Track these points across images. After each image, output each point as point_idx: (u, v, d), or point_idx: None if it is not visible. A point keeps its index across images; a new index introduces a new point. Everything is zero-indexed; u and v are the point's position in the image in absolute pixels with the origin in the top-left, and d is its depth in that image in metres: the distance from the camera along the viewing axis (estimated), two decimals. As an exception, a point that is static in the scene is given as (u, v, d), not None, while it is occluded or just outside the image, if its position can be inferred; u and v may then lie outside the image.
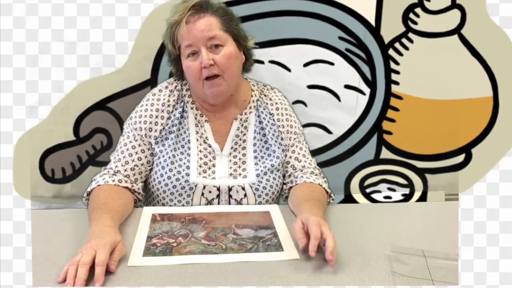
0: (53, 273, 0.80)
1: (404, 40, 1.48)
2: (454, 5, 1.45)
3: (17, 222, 0.85)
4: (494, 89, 1.51)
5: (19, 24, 1.17)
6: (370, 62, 1.50)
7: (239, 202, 1.15)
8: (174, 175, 1.14)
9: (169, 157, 1.15)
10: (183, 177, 1.14)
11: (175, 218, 1.03)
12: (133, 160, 1.15)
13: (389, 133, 1.57)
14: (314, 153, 1.48)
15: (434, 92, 1.53)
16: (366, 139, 1.57)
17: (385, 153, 1.59)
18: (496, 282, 0.82)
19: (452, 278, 0.82)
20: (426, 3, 1.45)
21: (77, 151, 1.43)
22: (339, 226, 0.99)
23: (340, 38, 1.47)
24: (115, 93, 1.40)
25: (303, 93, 1.50)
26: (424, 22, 1.46)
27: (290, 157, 1.23)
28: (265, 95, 1.27)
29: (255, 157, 1.20)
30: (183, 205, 1.14)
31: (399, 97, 1.53)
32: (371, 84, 1.52)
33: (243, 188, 1.15)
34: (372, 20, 1.46)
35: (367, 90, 1.52)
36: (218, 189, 1.14)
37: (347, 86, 1.51)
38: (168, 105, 1.19)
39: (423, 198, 1.64)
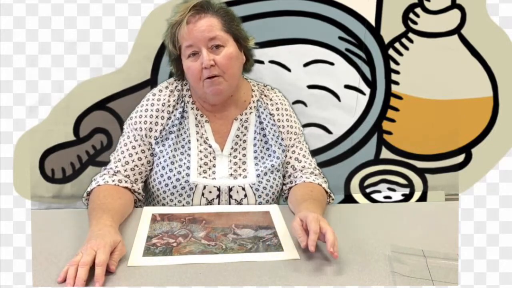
0: (53, 273, 0.80)
1: (404, 40, 1.48)
2: (454, 5, 1.45)
3: (17, 222, 0.85)
4: (494, 89, 1.51)
5: (19, 24, 1.17)
6: (370, 62, 1.50)
7: (239, 202, 1.15)
8: (174, 175, 1.14)
9: (169, 157, 1.15)
10: (183, 177, 1.14)
11: (175, 218, 1.03)
12: (133, 160, 1.15)
13: (389, 133, 1.57)
14: (314, 153, 1.48)
15: (434, 92, 1.53)
16: (366, 139, 1.57)
17: (385, 153, 1.59)
18: (496, 282, 0.82)
19: (452, 278, 0.82)
20: (426, 3, 1.45)
21: (77, 151, 1.43)
22: (339, 226, 0.99)
23: (340, 38, 1.47)
24: (115, 93, 1.40)
25: (303, 93, 1.50)
26: (424, 22, 1.46)
27: (290, 157, 1.23)
28: (265, 96, 1.27)
29: (255, 158, 1.20)
30: (183, 205, 1.14)
31: (399, 97, 1.53)
32: (371, 84, 1.52)
33: (243, 188, 1.15)
34: (372, 20, 1.46)
35: (367, 90, 1.52)
36: (218, 189, 1.14)
37: (347, 86, 1.51)
38: (169, 105, 1.19)
39: (423, 198, 1.64)
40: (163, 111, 1.18)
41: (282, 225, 1.01)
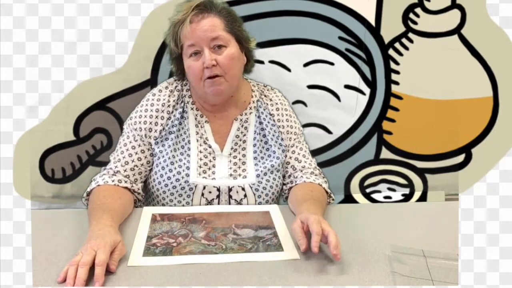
0: (53, 273, 0.80)
1: (404, 40, 1.48)
2: (454, 5, 1.45)
3: (17, 222, 0.85)
4: (494, 89, 1.51)
5: (19, 24, 1.17)
6: (370, 62, 1.50)
7: (239, 203, 1.15)
8: (174, 175, 1.14)
9: (169, 158, 1.15)
10: (183, 177, 1.14)
11: (175, 218, 1.03)
12: (133, 161, 1.15)
13: (389, 133, 1.57)
14: (314, 153, 1.48)
15: (434, 92, 1.53)
16: (366, 139, 1.57)
17: (385, 153, 1.59)
18: (496, 282, 0.82)
19: (452, 278, 0.82)
20: (426, 3, 1.45)
21: (77, 151, 1.43)
22: (339, 226, 0.99)
23: (340, 38, 1.46)
24: (115, 93, 1.40)
25: (303, 93, 1.50)
26: (424, 22, 1.46)
27: (290, 157, 1.23)
28: (265, 96, 1.27)
29: (255, 158, 1.20)
30: (183, 205, 1.14)
31: (399, 97, 1.53)
32: (371, 84, 1.52)
33: (243, 189, 1.15)
34: (372, 20, 1.46)
35: (367, 90, 1.52)
36: (218, 190, 1.14)
37: (347, 86, 1.51)
38: (168, 106, 1.19)
39: (423, 198, 1.64)
40: (163, 111, 1.18)
41: (282, 225, 1.01)
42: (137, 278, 0.80)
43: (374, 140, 1.57)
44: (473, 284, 0.82)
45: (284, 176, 1.23)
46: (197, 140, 1.19)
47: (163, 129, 1.18)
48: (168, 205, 1.15)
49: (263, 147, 1.22)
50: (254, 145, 1.21)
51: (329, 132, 1.55)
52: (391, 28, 1.47)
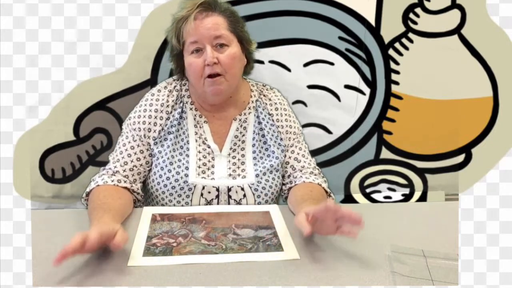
0: (53, 273, 0.79)
1: (404, 40, 1.48)
2: (454, 5, 1.45)
3: (17, 222, 0.85)
4: (494, 89, 1.51)
5: (19, 24, 1.17)
6: (370, 62, 1.50)
7: (238, 203, 1.14)
8: (173, 175, 1.14)
9: (167, 158, 1.15)
10: (182, 177, 1.14)
11: (175, 218, 1.03)
12: (132, 161, 1.15)
13: (389, 133, 1.57)
14: (314, 153, 1.48)
15: (434, 92, 1.53)
16: (366, 139, 1.57)
17: (385, 153, 1.59)
18: (496, 282, 0.82)
19: (452, 278, 0.82)
20: (426, 3, 1.45)
21: (77, 151, 1.43)
22: (339, 226, 0.99)
23: (340, 38, 1.46)
24: (115, 93, 1.40)
25: (303, 93, 1.50)
26: (424, 22, 1.46)
27: (290, 157, 1.23)
28: (264, 95, 1.27)
29: (254, 158, 1.20)
30: (182, 206, 1.13)
31: (399, 97, 1.53)
32: (371, 84, 1.52)
33: (242, 189, 1.15)
34: (372, 20, 1.46)
35: (367, 90, 1.52)
36: (217, 190, 1.14)
37: (347, 86, 1.51)
38: (167, 106, 1.19)
39: (423, 198, 1.64)
40: (161, 111, 1.18)
41: (282, 225, 1.01)
42: (137, 278, 0.80)
43: (374, 140, 1.57)
44: (473, 284, 0.82)
45: (283, 176, 1.23)
46: (196, 140, 1.19)
47: (162, 129, 1.18)
48: (167, 205, 1.15)
49: (262, 147, 1.22)
50: (253, 145, 1.21)
51: (329, 132, 1.55)
52: (391, 28, 1.47)
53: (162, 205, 1.15)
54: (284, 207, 1.12)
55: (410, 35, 1.47)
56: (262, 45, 1.42)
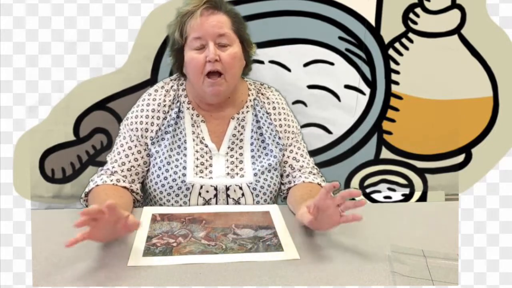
0: (53, 273, 0.80)
1: (404, 40, 1.48)
2: (454, 5, 1.45)
3: (17, 222, 0.85)
4: (494, 89, 1.51)
5: (19, 24, 1.17)
6: (370, 62, 1.49)
7: (236, 202, 1.14)
8: (170, 175, 1.14)
9: (165, 158, 1.15)
10: (179, 177, 1.13)
11: (175, 218, 1.03)
12: (129, 161, 1.15)
13: (389, 133, 1.57)
14: (314, 153, 1.48)
15: (434, 92, 1.53)
16: (366, 139, 1.57)
17: (385, 153, 1.59)
18: (496, 282, 0.82)
19: (452, 278, 0.82)
20: (426, 3, 1.44)
21: (77, 151, 1.43)
22: (339, 226, 0.99)
23: (340, 38, 1.46)
24: (115, 93, 1.40)
25: (303, 93, 1.50)
26: (424, 22, 1.46)
27: (288, 156, 1.23)
28: (262, 94, 1.27)
29: (252, 157, 1.20)
30: (180, 205, 1.13)
31: (399, 97, 1.53)
32: (371, 84, 1.52)
33: (241, 188, 1.15)
34: (372, 20, 1.45)
35: (367, 90, 1.52)
36: (216, 189, 1.14)
37: (347, 86, 1.51)
38: (164, 105, 1.19)
39: (423, 198, 1.63)
40: (158, 111, 1.18)
41: (282, 225, 1.01)
42: (137, 278, 0.80)
43: (374, 140, 1.57)
44: (473, 284, 0.82)
45: (282, 176, 1.23)
46: (193, 140, 1.19)
47: (159, 129, 1.18)
48: (165, 205, 1.15)
49: (260, 146, 1.22)
50: (251, 144, 1.21)
51: (329, 132, 1.55)
52: (391, 28, 1.47)
53: (161, 205, 1.15)
54: (284, 207, 1.12)
55: (410, 35, 1.47)
56: (262, 45, 1.42)
